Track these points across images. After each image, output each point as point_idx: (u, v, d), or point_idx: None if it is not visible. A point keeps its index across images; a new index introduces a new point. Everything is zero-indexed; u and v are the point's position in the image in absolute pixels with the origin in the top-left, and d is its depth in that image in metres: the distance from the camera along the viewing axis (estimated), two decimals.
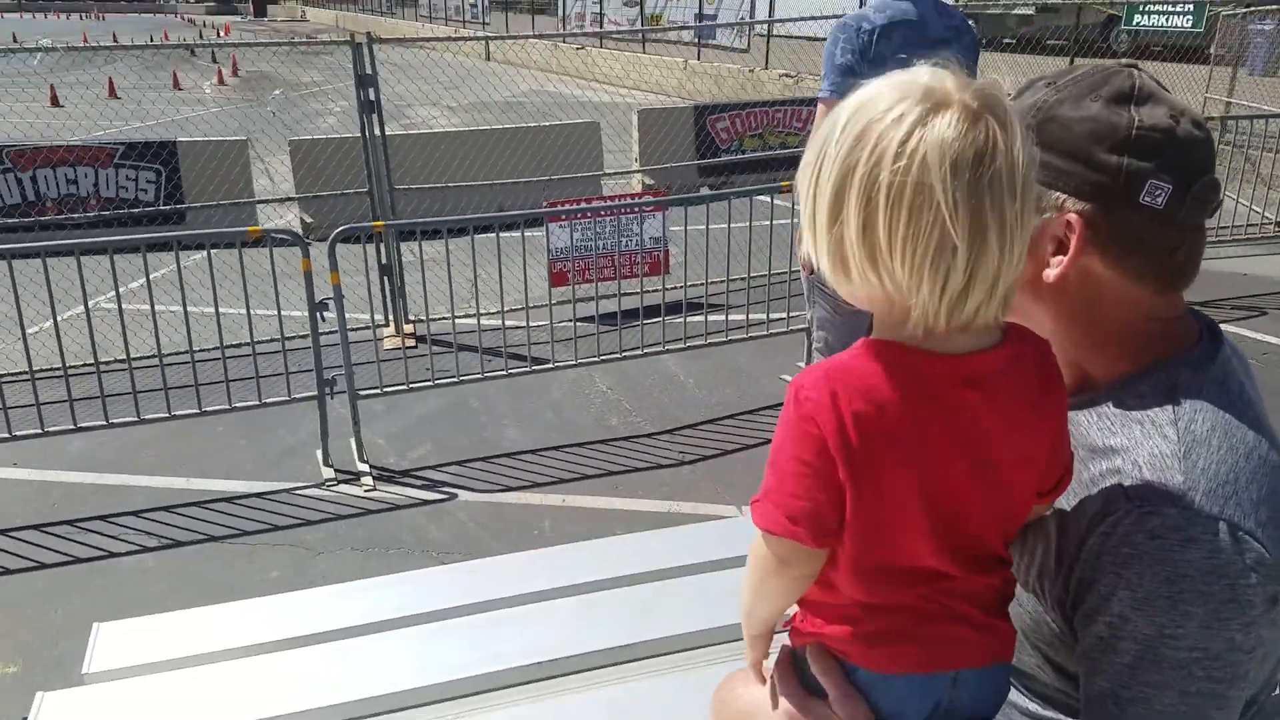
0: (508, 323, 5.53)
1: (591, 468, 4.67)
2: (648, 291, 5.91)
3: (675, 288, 5.90)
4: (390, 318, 6.19)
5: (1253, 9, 13.33)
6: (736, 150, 10.59)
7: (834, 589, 1.00)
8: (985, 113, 0.84)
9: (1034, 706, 1.12)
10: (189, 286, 4.71)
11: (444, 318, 5.48)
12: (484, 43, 24.59)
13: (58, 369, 4.68)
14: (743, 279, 5.74)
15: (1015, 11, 18.62)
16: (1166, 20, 14.90)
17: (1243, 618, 0.92)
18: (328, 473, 4.55)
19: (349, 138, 7.97)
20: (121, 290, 4.72)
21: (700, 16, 25.05)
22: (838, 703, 1.02)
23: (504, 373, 5.14)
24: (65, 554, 3.96)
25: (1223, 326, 1.09)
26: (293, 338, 4.99)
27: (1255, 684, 1.01)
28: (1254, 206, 8.38)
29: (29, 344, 4.57)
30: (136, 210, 8.47)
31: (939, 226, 0.82)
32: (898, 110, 0.85)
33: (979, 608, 1.00)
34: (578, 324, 5.58)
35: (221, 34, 47.45)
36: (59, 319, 4.62)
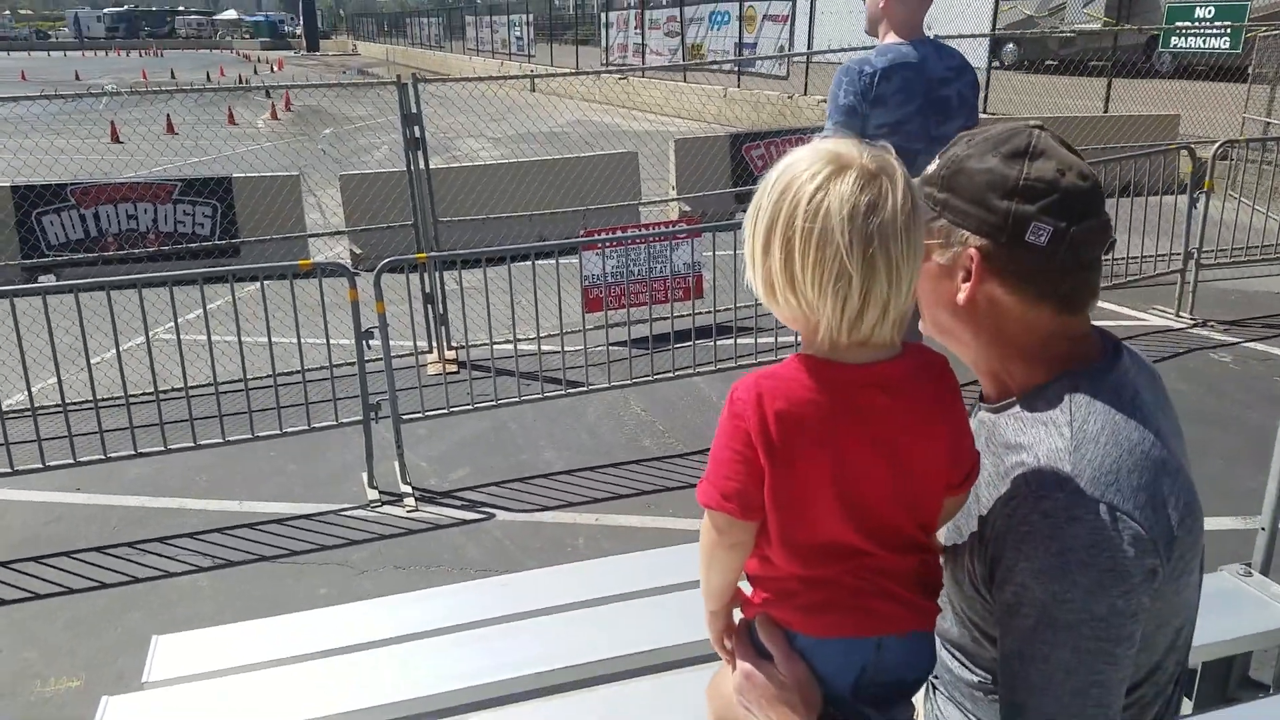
0: (544, 348, 5.70)
1: (625, 487, 4.80)
2: (679, 316, 6.06)
3: (705, 312, 6.03)
4: (433, 344, 6.40)
5: None
6: None
7: (772, 564, 1.21)
8: (880, 174, 1.07)
9: (973, 676, 1.32)
10: (243, 317, 4.96)
11: (482, 344, 5.67)
12: (530, 73, 25.03)
13: (119, 397, 4.95)
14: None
15: (1056, 35, 18.58)
16: (1204, 43, 14.82)
17: (1123, 585, 1.09)
18: (372, 494, 4.74)
19: (395, 172, 8.26)
20: (180, 321, 4.99)
21: (740, 46, 25.36)
22: (781, 664, 1.24)
23: (539, 396, 5.31)
24: (125, 574, 4.18)
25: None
26: (340, 365, 5.21)
27: (1156, 650, 1.19)
28: None
29: (93, 373, 4.83)
30: (194, 245, 8.84)
31: (838, 260, 1.05)
32: (811, 170, 1.08)
33: (899, 584, 1.20)
34: (611, 348, 5.74)
35: (275, 69, 48.99)
36: (121, 349, 4.89)
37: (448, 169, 9.74)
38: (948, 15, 16.49)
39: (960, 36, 11.66)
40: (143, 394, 5.09)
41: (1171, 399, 1.33)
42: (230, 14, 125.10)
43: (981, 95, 14.45)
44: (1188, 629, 1.27)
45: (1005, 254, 1.18)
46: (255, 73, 45.11)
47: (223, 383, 4.97)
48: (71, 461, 4.67)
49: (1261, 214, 8.25)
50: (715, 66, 23.47)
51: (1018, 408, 1.24)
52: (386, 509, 4.64)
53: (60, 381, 4.82)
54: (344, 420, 4.95)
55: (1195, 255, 6.86)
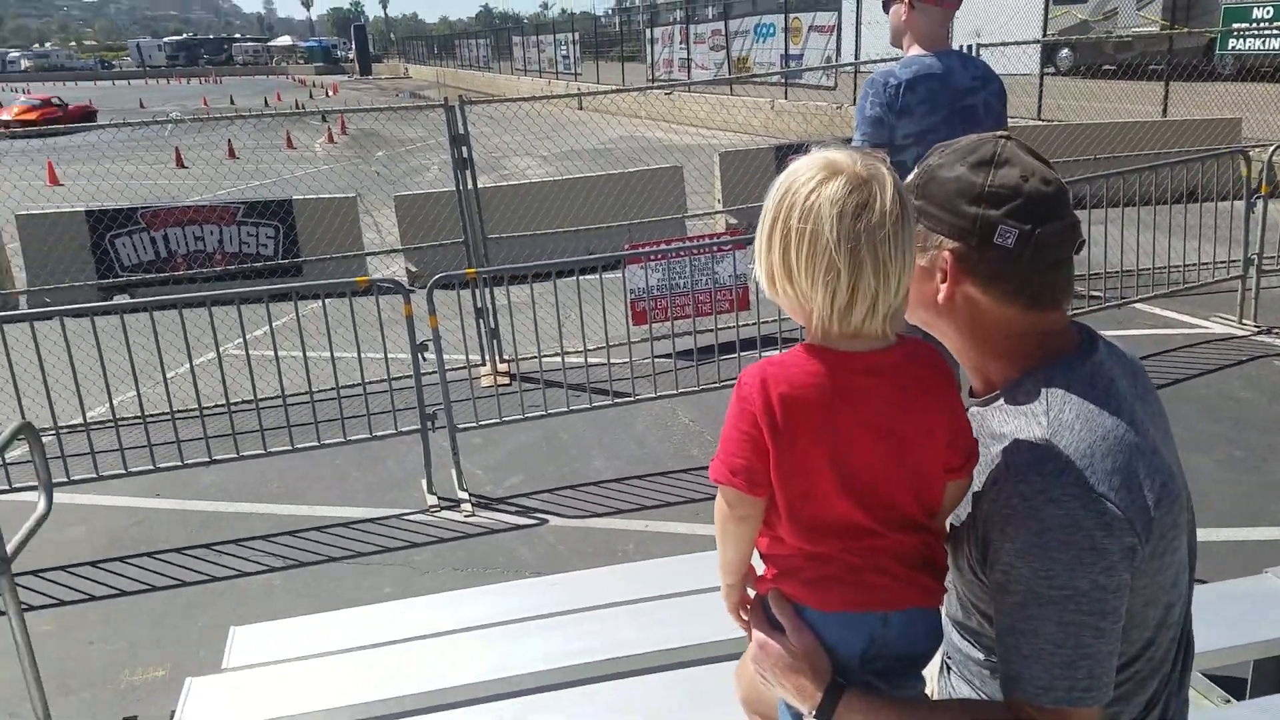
0: (592, 360, 5.90)
1: (674, 495, 4.97)
2: (725, 328, 6.21)
3: (750, 324, 6.18)
4: (486, 357, 6.64)
5: None
6: None
7: (781, 541, 1.33)
8: (871, 179, 1.19)
9: (979, 655, 1.42)
10: (306, 333, 5.23)
11: (531, 357, 5.87)
12: (576, 91, 25.40)
13: (194, 409, 5.26)
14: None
15: (1112, 39, 18.37)
16: (1264, 44, 14.58)
17: (1102, 563, 1.17)
18: (431, 500, 4.97)
19: (447, 191, 8.55)
20: (247, 337, 5.28)
21: (786, 57, 25.41)
22: (791, 635, 1.34)
23: (588, 407, 5.50)
24: (203, 573, 4.45)
25: None
26: (399, 377, 5.47)
27: (1147, 625, 1.27)
28: None
29: (169, 386, 5.14)
30: (258, 264, 9.22)
31: (827, 254, 1.18)
32: (808, 175, 1.21)
33: (900, 562, 1.31)
34: (658, 360, 5.91)
35: (330, 93, 50.23)
36: (194, 364, 5.21)
37: (496, 187, 10.04)
38: (997, 21, 16.45)
39: (1012, 44, 11.63)
40: (215, 405, 5.39)
41: (1155, 390, 1.42)
42: (285, 40, 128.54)
43: (1035, 102, 14.39)
44: (1180, 606, 1.34)
45: (976, 256, 1.28)
46: (310, 97, 46.28)
47: (289, 395, 5.25)
48: (151, 468, 4.98)
49: None
50: (761, 79, 23.58)
51: (1001, 400, 1.33)
52: (445, 514, 4.86)
53: (139, 394, 5.13)
54: (403, 429, 5.19)
55: (1256, 261, 6.78)
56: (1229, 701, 2.60)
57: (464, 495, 4.98)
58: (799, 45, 25.20)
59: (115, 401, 5.24)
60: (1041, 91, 14.43)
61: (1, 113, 31.29)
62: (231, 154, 20.83)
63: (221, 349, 5.31)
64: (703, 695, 2.41)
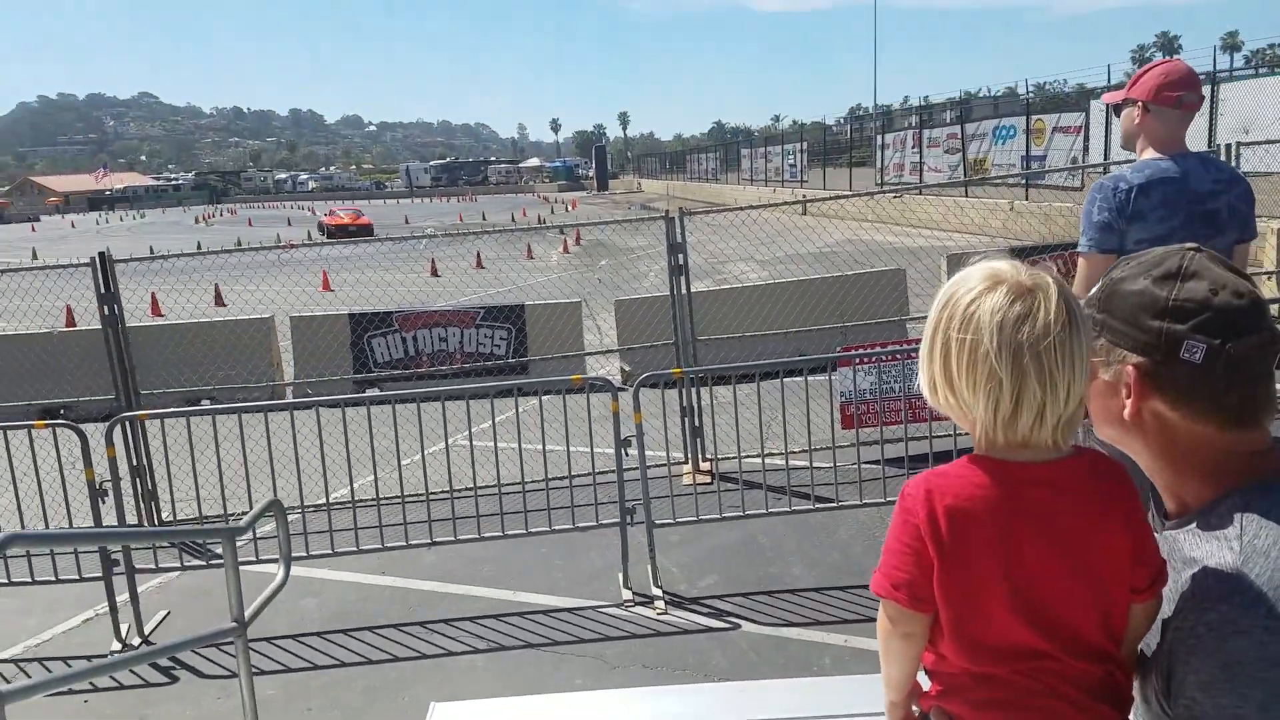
0: (795, 462, 5.83)
1: (877, 610, 4.75)
2: (939, 436, 5.96)
3: (965, 433, 5.88)
4: (689, 455, 6.73)
5: None
6: None
7: (945, 659, 1.27)
8: (1036, 289, 1.19)
9: None
10: (526, 426, 5.55)
11: (731, 457, 5.89)
12: (800, 198, 25.76)
13: (421, 494, 5.69)
14: None
15: None
16: None
17: None
18: (626, 594, 5.04)
19: (662, 296, 8.89)
20: (473, 430, 5.67)
21: (1027, 159, 24.65)
22: None
23: (787, 510, 5.43)
24: (415, 650, 4.73)
25: None
26: (603, 472, 5.65)
27: None
28: None
29: (402, 473, 5.60)
30: (490, 363, 9.93)
31: (987, 364, 1.17)
32: (969, 285, 1.23)
33: (1082, 690, 1.21)
34: (865, 466, 5.76)
35: (569, 208, 53.87)
36: (425, 453, 5.65)
37: (711, 291, 10.31)
38: (1268, 118, 15.22)
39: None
40: (440, 491, 5.80)
41: None
42: (534, 161, 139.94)
43: None
44: None
45: (1162, 371, 1.22)
46: (552, 212, 49.78)
47: (505, 484, 5.56)
48: (379, 547, 5.40)
49: None
50: (1000, 180, 22.97)
51: (1194, 524, 1.24)
52: (638, 609, 4.92)
53: (376, 479, 5.62)
54: (604, 522, 5.34)
55: None
56: None
57: (658, 592, 5.02)
58: (1041, 146, 24.46)
59: (355, 485, 5.75)
60: None
61: (329, 220, 42.54)
62: (479, 264, 22.68)
63: (451, 440, 5.73)
64: None
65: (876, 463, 5.99)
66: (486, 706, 3.41)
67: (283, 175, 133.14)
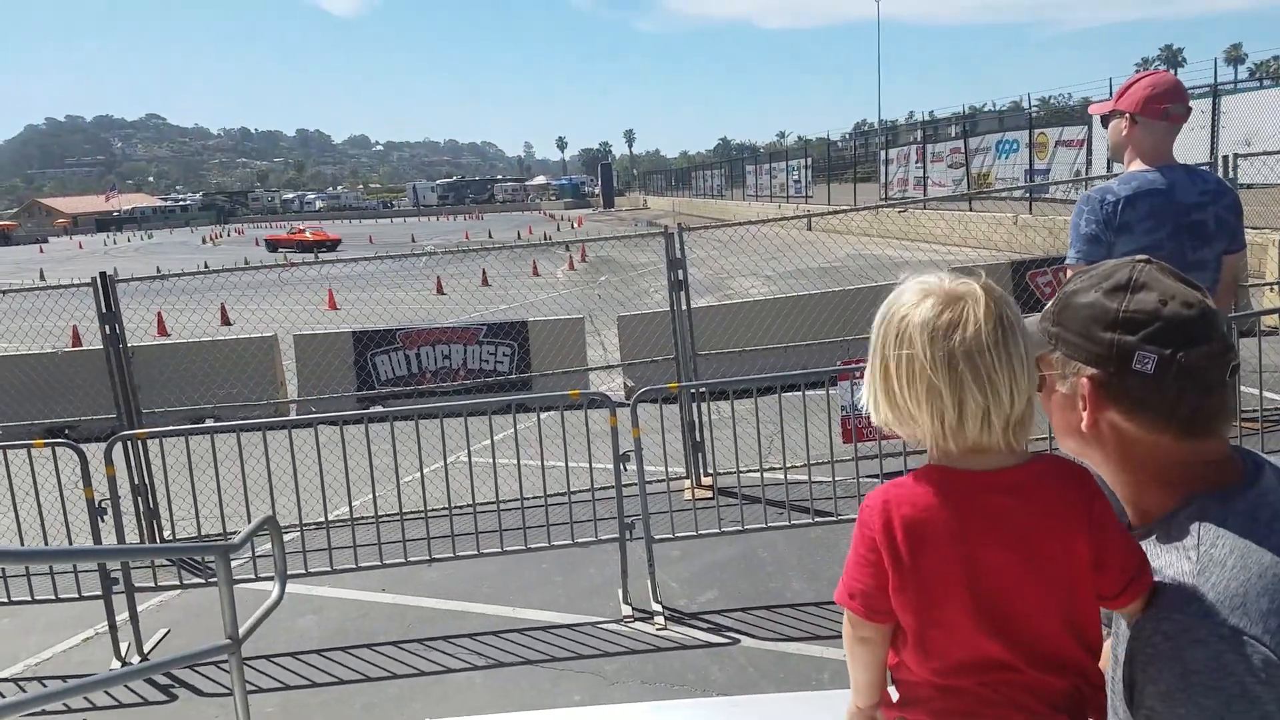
0: (794, 477, 5.82)
1: None
2: None
3: None
4: (689, 470, 6.72)
5: None
6: None
7: (908, 668, 1.27)
8: (964, 297, 1.20)
9: None
10: (526, 443, 5.55)
11: (731, 472, 5.88)
12: (805, 213, 25.78)
13: (420, 511, 5.69)
14: (1042, 438, 5.63)
15: None
16: None
17: (1254, 712, 1.06)
18: (626, 610, 5.03)
19: (664, 311, 8.91)
20: (473, 447, 5.67)
21: (1030, 172, 24.67)
22: None
23: (787, 524, 5.41)
24: (413, 667, 4.71)
25: None
26: (602, 487, 5.65)
27: None
28: None
29: (400, 491, 5.60)
30: (492, 379, 9.94)
31: (924, 376, 1.18)
32: (900, 301, 1.24)
33: (1043, 702, 1.20)
34: (864, 480, 5.74)
35: (575, 225, 54.01)
36: (424, 470, 5.65)
37: (711, 307, 10.32)
38: (1270, 129, 15.17)
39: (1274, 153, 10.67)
40: (440, 508, 5.79)
41: None
42: (540, 179, 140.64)
43: None
44: None
45: (1116, 382, 1.22)
46: (558, 229, 49.94)
47: (504, 501, 5.55)
48: (379, 564, 5.39)
49: None
50: (1005, 194, 22.97)
51: (1154, 536, 1.25)
52: (638, 625, 4.90)
53: (375, 496, 5.62)
54: (603, 537, 5.33)
55: None
56: None
57: (657, 607, 5.01)
58: (1044, 160, 24.48)
59: (355, 503, 5.76)
60: None
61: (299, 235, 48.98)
62: (485, 281, 22.74)
63: (451, 457, 5.74)
64: None
65: (876, 477, 5.96)
66: None
67: (290, 195, 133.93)
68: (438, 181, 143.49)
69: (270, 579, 4.12)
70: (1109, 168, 17.84)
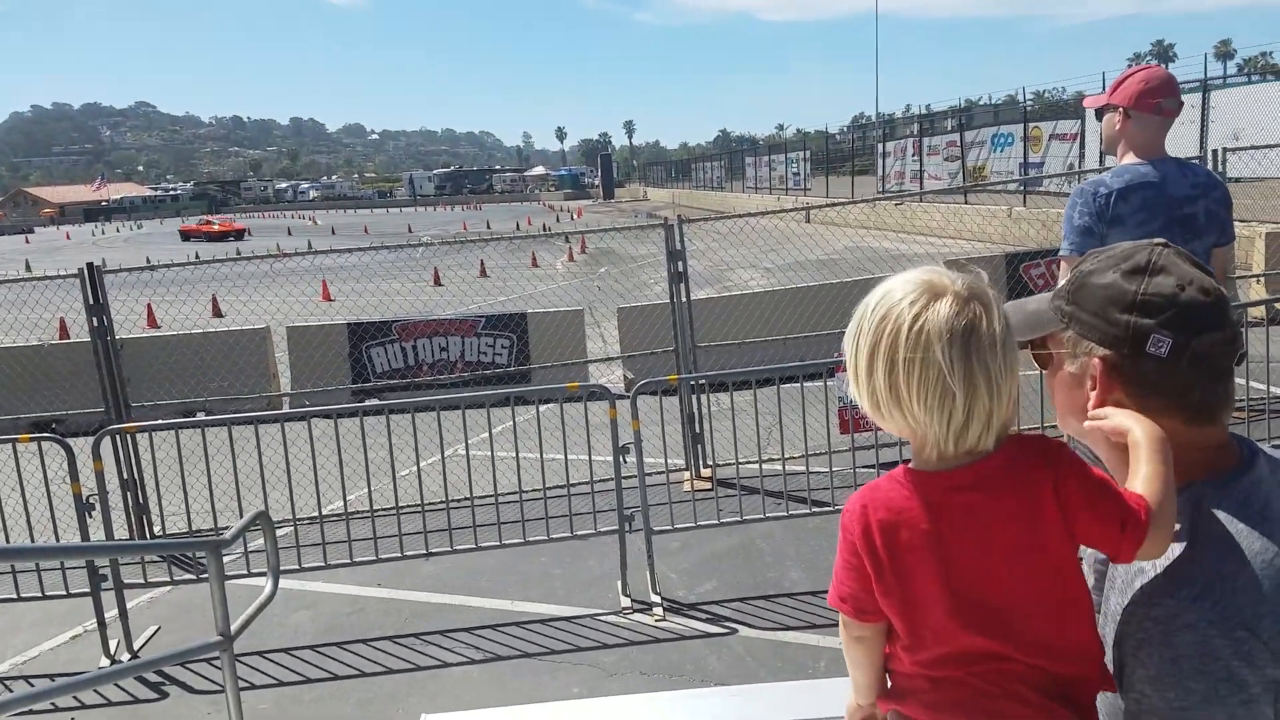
0: (792, 468, 5.77)
1: None
2: None
3: None
4: (689, 462, 6.67)
5: None
6: None
7: (901, 661, 1.27)
8: (973, 298, 1.16)
9: None
10: (525, 435, 5.48)
11: (730, 463, 5.83)
12: (803, 206, 25.72)
13: (416, 506, 5.62)
14: (1035, 427, 5.58)
15: None
16: None
17: (1241, 695, 1.07)
18: (625, 601, 4.98)
19: (663, 304, 8.84)
20: (470, 441, 5.61)
21: (1025, 165, 24.66)
22: None
23: (785, 515, 5.36)
24: (410, 662, 4.66)
25: None
26: (601, 480, 5.59)
27: None
28: None
29: (397, 484, 5.53)
30: (490, 372, 9.87)
31: (941, 380, 1.14)
32: (909, 298, 1.17)
33: (1036, 690, 1.19)
34: (861, 470, 5.69)
35: (575, 216, 53.88)
36: (420, 464, 5.58)
37: (711, 299, 10.25)
38: (1260, 122, 15.12)
39: (1263, 147, 10.63)
40: (437, 502, 5.73)
41: None
42: (539, 170, 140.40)
43: None
44: None
45: (1128, 364, 1.22)
46: (557, 220, 49.84)
47: (502, 494, 5.50)
48: (374, 558, 5.33)
49: None
50: (1000, 187, 22.96)
51: None
52: (637, 616, 4.85)
53: (370, 491, 5.56)
54: (602, 529, 5.28)
55: None
56: None
57: (656, 599, 4.96)
58: (1039, 153, 24.48)
59: (351, 497, 5.69)
60: None
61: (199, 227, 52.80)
62: (483, 272, 22.64)
63: (448, 450, 5.67)
64: None
65: (872, 467, 5.91)
66: (477, 717, 3.35)
67: (283, 184, 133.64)
68: (435, 171, 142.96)
69: (263, 575, 4.07)
70: (1102, 161, 17.84)
